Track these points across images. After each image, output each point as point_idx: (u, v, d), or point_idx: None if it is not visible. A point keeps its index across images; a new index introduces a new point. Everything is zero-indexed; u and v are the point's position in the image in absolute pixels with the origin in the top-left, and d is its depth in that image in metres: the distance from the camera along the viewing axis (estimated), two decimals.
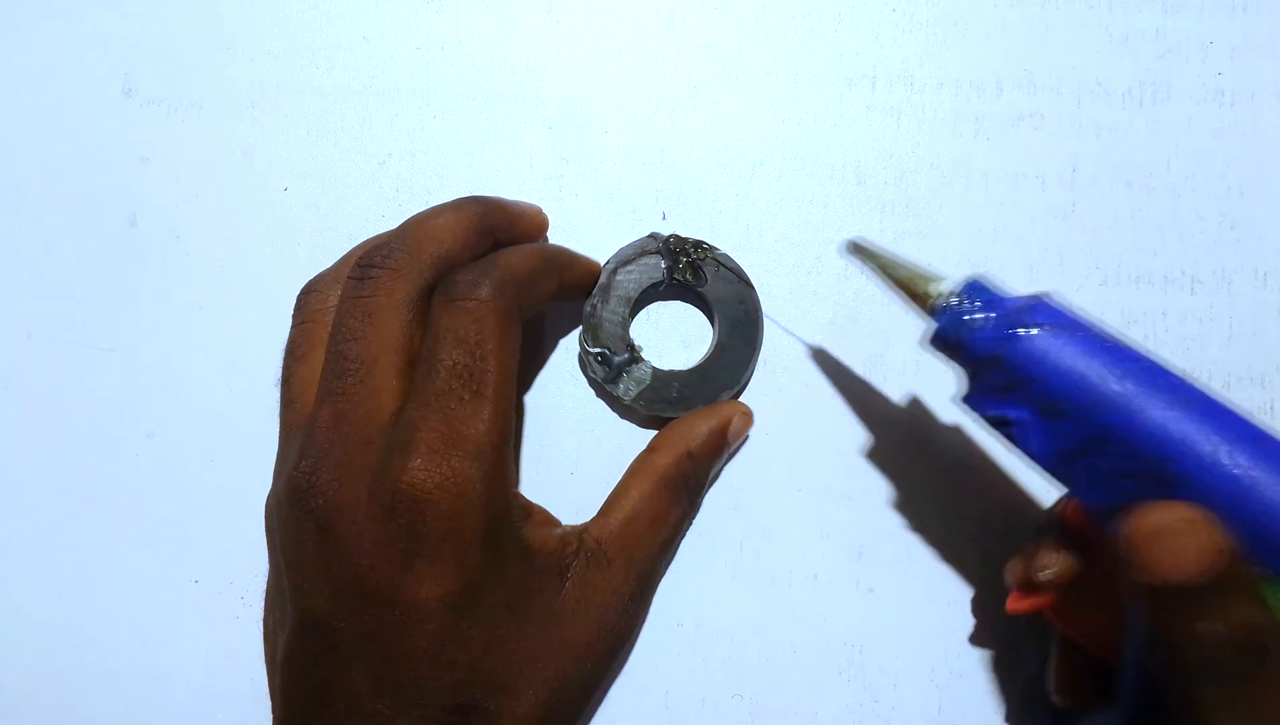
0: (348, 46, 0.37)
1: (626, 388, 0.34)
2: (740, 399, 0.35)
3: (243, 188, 0.36)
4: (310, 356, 0.31)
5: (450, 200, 0.32)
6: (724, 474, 0.35)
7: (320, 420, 0.28)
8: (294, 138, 0.36)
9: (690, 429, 0.33)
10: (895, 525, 0.35)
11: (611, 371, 0.34)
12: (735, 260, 0.35)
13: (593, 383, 0.35)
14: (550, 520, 0.31)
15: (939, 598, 0.35)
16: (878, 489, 0.35)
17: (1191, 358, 0.36)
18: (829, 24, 0.37)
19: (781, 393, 0.36)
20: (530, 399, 0.36)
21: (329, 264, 0.35)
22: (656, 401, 0.34)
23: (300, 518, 0.28)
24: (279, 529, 0.29)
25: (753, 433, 0.35)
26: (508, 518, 0.28)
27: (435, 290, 0.29)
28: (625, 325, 0.34)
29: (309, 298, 0.32)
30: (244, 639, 0.35)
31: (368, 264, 0.30)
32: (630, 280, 0.34)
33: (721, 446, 0.33)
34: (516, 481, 0.30)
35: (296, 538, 0.28)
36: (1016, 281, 0.36)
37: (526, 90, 0.36)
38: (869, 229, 0.36)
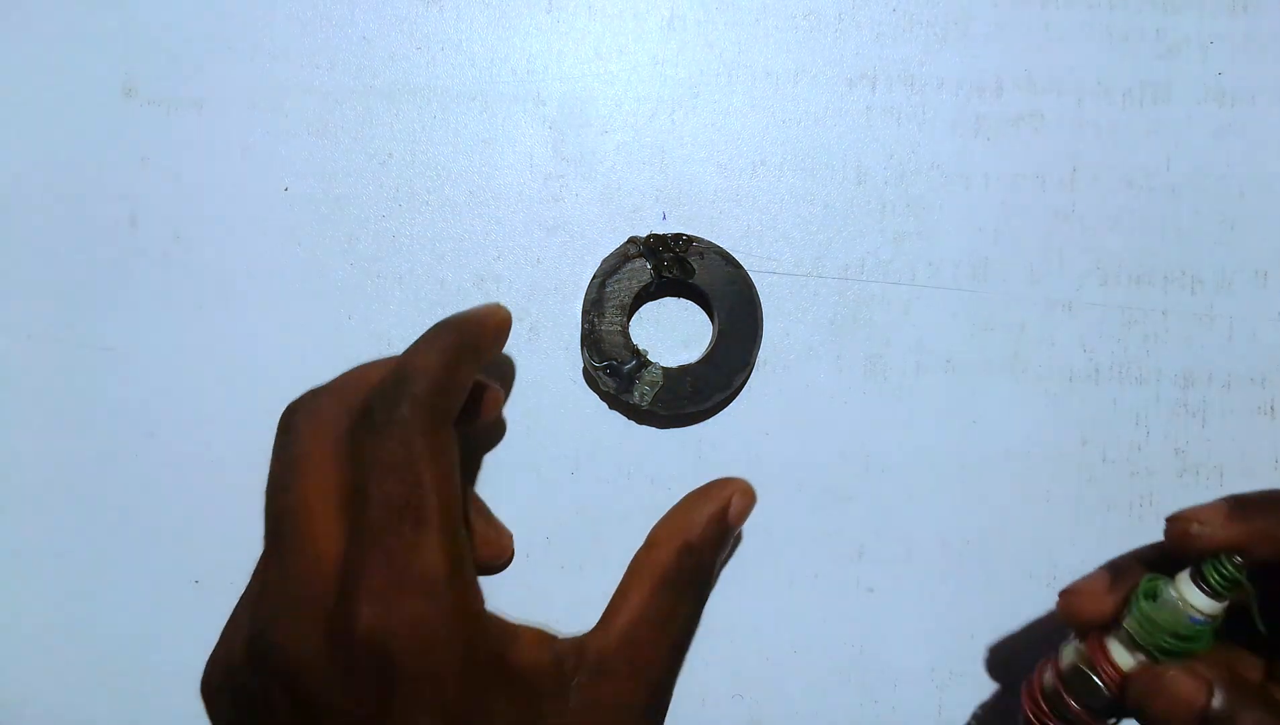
0: (348, 46, 0.37)
1: (641, 393, 0.34)
2: (742, 395, 0.35)
3: (243, 188, 0.36)
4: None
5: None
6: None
7: (269, 578, 0.27)
8: (294, 138, 0.36)
9: (687, 518, 0.30)
10: (895, 525, 0.35)
11: (623, 381, 0.34)
12: (718, 244, 0.35)
13: (605, 396, 0.35)
14: (543, 638, 0.28)
15: (939, 598, 0.35)
16: (878, 489, 0.35)
17: (1191, 358, 0.36)
18: (829, 24, 0.37)
19: (781, 393, 0.36)
20: (529, 399, 0.36)
21: (329, 264, 0.35)
22: (674, 400, 0.34)
23: (266, 682, 0.26)
24: (242, 696, 0.27)
25: (753, 432, 0.35)
26: (485, 647, 0.26)
27: (354, 419, 0.27)
28: (625, 333, 0.34)
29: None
30: None
31: (290, 412, 0.29)
32: (620, 288, 0.34)
33: (724, 533, 0.31)
34: (483, 604, 0.27)
35: (266, 703, 0.26)
36: (1016, 281, 0.36)
37: (526, 90, 0.36)
38: (869, 229, 0.36)
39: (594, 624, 0.29)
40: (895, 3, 0.37)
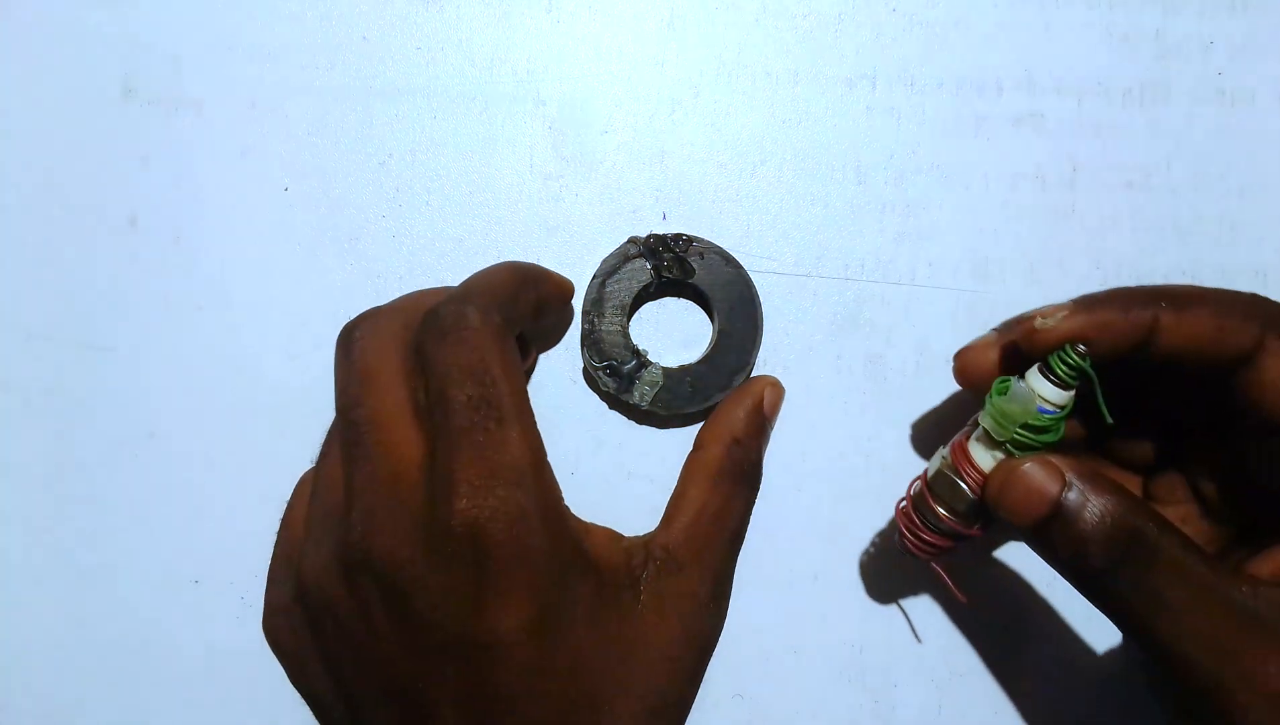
0: (348, 46, 0.37)
1: (641, 393, 0.34)
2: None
3: (243, 188, 0.36)
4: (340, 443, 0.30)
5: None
6: None
7: (356, 485, 0.28)
8: (294, 138, 0.36)
9: (729, 416, 0.33)
10: (895, 526, 0.35)
11: (623, 381, 0.34)
12: (718, 243, 0.35)
13: (605, 396, 0.35)
14: (613, 536, 0.31)
15: (939, 598, 0.35)
16: (878, 489, 0.35)
17: None
18: (829, 24, 0.37)
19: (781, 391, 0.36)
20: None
21: (328, 264, 0.36)
22: (674, 400, 0.34)
23: (362, 586, 0.27)
24: (324, 615, 0.28)
25: None
26: (567, 535, 0.28)
27: (418, 330, 0.29)
28: (625, 333, 0.34)
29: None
30: (244, 639, 0.35)
31: (350, 328, 0.30)
32: (621, 288, 0.34)
33: (763, 423, 0.33)
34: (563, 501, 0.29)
35: (362, 609, 0.27)
36: (1016, 281, 0.36)
37: (526, 90, 0.36)
38: (869, 229, 0.36)
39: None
40: (895, 3, 0.37)
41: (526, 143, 0.36)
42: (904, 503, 0.31)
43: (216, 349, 0.36)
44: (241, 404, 0.36)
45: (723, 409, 0.33)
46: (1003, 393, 0.28)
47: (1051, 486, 0.27)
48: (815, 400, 0.35)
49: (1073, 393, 0.27)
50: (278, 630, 0.31)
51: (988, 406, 0.28)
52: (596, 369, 0.34)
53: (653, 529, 0.31)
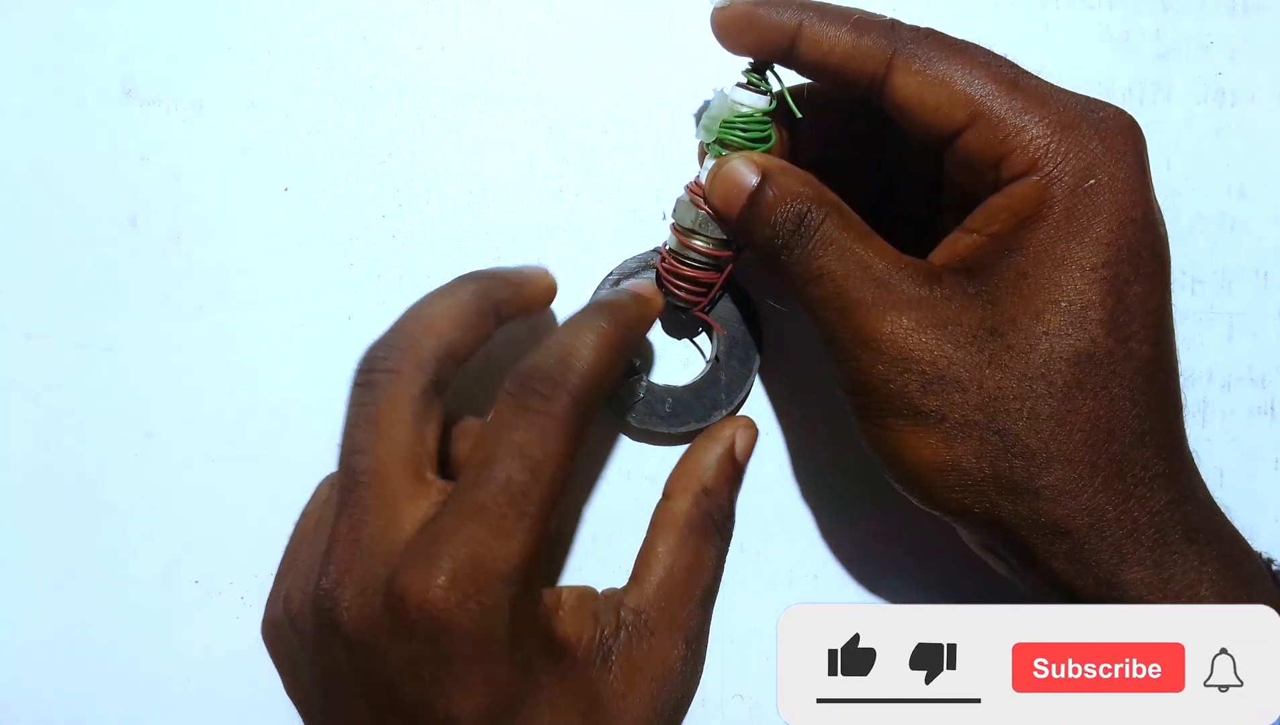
0: (348, 46, 0.37)
1: (619, 403, 0.34)
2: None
3: (243, 188, 0.36)
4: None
5: (445, 284, 0.30)
6: None
7: (338, 534, 0.27)
8: (294, 138, 0.36)
9: (698, 464, 0.32)
10: (895, 526, 0.35)
11: (621, 391, 0.34)
12: (742, 282, 0.34)
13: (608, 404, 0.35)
14: (583, 599, 0.29)
15: (939, 598, 0.35)
16: (878, 489, 0.35)
17: (1191, 358, 0.36)
18: None
19: (782, 392, 0.36)
20: None
21: (328, 264, 0.35)
22: (649, 416, 0.34)
23: (328, 637, 0.27)
24: (306, 643, 0.28)
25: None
26: (535, 625, 0.27)
27: (507, 380, 0.27)
28: None
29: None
30: (244, 639, 0.35)
31: (367, 368, 0.28)
32: None
33: (735, 471, 0.32)
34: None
35: (329, 655, 0.27)
36: None
37: (526, 90, 0.36)
38: None
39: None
40: (895, 3, 0.37)
41: (526, 143, 0.36)
42: (663, 258, 0.32)
43: (216, 349, 0.36)
44: (240, 404, 0.36)
45: (692, 455, 0.32)
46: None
47: (751, 178, 0.29)
48: (815, 399, 0.35)
49: (766, 95, 0.30)
50: (272, 639, 0.31)
51: (701, 120, 0.31)
52: None
53: (624, 587, 0.31)
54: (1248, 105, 0.36)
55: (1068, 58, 0.36)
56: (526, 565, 0.26)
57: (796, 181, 0.29)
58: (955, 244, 0.29)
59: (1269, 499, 0.35)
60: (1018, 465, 0.26)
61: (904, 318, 0.27)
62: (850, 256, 0.28)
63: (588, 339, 0.28)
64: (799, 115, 0.30)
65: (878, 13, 0.29)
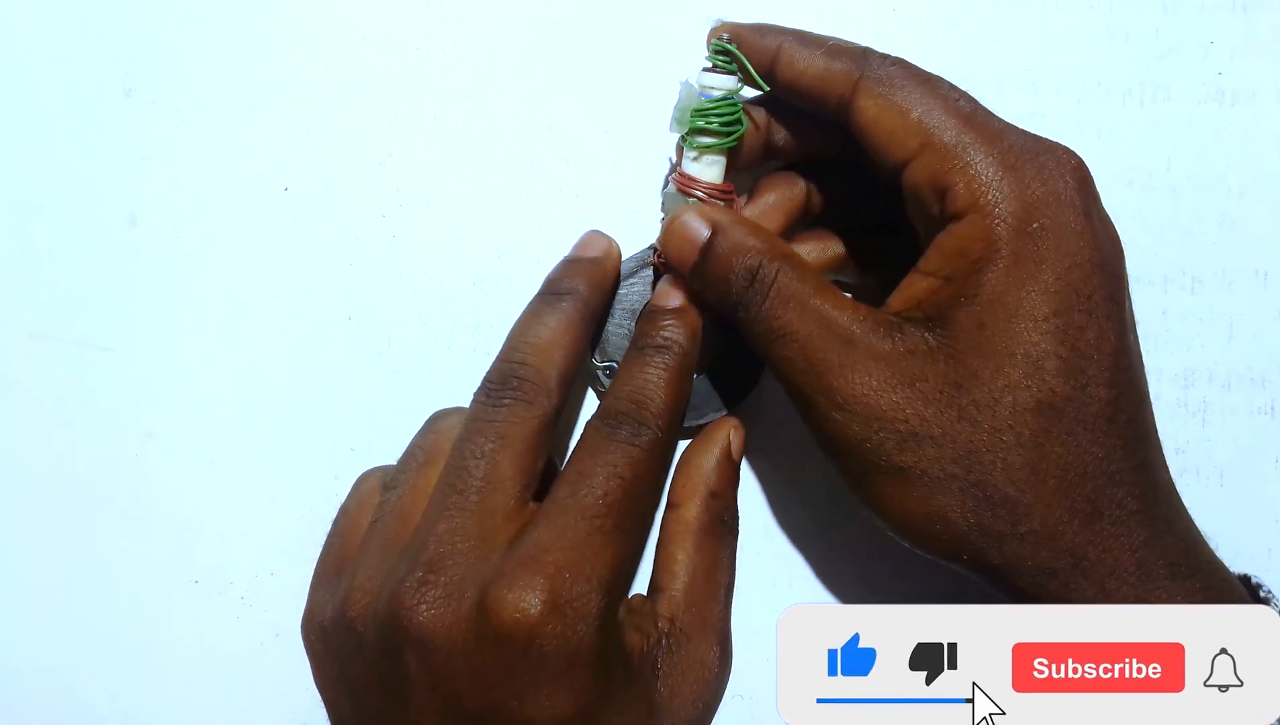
0: (348, 46, 0.37)
1: None
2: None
3: (243, 188, 0.36)
4: (428, 469, 0.30)
5: (549, 294, 0.32)
6: None
7: (436, 533, 0.28)
8: (294, 138, 0.36)
9: (700, 469, 0.32)
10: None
11: None
12: None
13: (601, 395, 0.35)
14: (635, 608, 0.30)
15: (939, 598, 0.35)
16: None
17: (1191, 358, 0.36)
18: (829, 24, 0.37)
19: (782, 391, 0.35)
20: None
21: (328, 264, 0.35)
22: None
23: (397, 637, 0.27)
24: (369, 644, 0.28)
25: (753, 432, 0.35)
26: (616, 635, 0.28)
27: (595, 414, 0.30)
28: (630, 338, 0.34)
29: (445, 417, 0.32)
30: (244, 639, 0.35)
31: (502, 384, 0.29)
32: (634, 293, 0.34)
33: (734, 471, 0.33)
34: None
35: (396, 660, 0.27)
36: None
37: (526, 90, 0.36)
38: None
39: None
40: (895, 3, 0.37)
41: (526, 143, 0.36)
42: (658, 253, 0.32)
43: (216, 349, 0.36)
44: (241, 404, 0.36)
45: (691, 462, 0.33)
46: None
47: (702, 231, 0.29)
48: None
49: (732, 77, 0.30)
50: (312, 637, 0.31)
51: (673, 112, 0.31)
52: (597, 368, 0.34)
53: (647, 596, 0.31)
54: (1248, 105, 0.36)
55: (1068, 58, 0.36)
56: (618, 577, 0.27)
57: (748, 235, 0.29)
58: (913, 286, 0.29)
59: (1269, 499, 0.35)
60: (1000, 514, 0.27)
61: (871, 378, 0.27)
62: (810, 314, 0.28)
63: (668, 390, 0.30)
64: (765, 88, 0.31)
65: (854, 40, 0.30)
